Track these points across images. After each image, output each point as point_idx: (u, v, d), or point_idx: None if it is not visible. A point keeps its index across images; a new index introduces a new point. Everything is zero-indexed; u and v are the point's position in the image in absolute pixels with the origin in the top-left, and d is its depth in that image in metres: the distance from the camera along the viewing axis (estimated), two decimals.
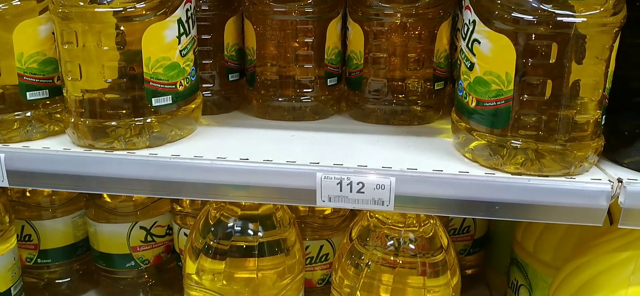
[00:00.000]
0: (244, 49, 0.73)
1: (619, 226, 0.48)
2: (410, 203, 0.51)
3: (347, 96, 0.74)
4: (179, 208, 0.85)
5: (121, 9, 0.52)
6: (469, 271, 0.95)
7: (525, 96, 0.48)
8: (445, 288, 0.59)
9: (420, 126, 0.69)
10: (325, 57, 0.69)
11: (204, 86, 0.71)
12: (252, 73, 0.71)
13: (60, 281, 0.93)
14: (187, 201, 0.85)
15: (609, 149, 0.54)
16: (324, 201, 0.52)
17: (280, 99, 0.70)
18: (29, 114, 0.59)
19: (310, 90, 0.70)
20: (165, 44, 0.55)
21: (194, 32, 0.60)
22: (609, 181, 0.48)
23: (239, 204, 0.64)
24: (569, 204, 0.48)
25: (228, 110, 0.76)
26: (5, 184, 0.57)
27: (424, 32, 0.66)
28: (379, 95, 0.68)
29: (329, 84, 0.71)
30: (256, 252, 0.64)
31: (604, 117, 0.51)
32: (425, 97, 0.69)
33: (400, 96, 0.68)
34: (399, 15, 0.64)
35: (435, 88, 0.69)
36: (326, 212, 0.82)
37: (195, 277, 0.64)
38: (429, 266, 0.59)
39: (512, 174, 0.50)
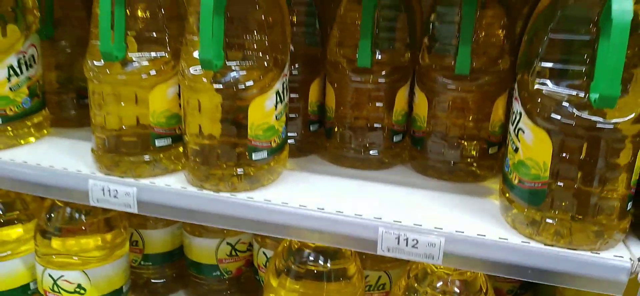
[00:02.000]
0: (325, 105, 0.86)
1: None
2: (456, 261, 0.62)
3: (410, 150, 0.85)
4: None
5: (234, 87, 0.66)
6: None
7: (560, 182, 0.57)
8: None
9: (474, 184, 0.78)
10: (393, 118, 0.81)
11: (289, 134, 0.85)
12: (330, 128, 0.84)
13: (156, 281, 1.11)
14: None
15: (638, 228, 0.62)
16: (383, 251, 0.64)
17: (352, 150, 0.82)
18: (155, 156, 0.75)
19: (378, 145, 0.82)
20: (265, 112, 0.69)
21: (287, 98, 0.74)
22: (630, 259, 0.57)
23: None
24: (593, 275, 0.57)
25: (307, 154, 0.89)
26: (135, 211, 0.74)
27: (482, 104, 0.76)
28: (438, 154, 0.79)
29: (394, 140, 0.83)
30: (324, 277, 0.77)
31: (630, 202, 0.59)
32: (479, 159, 0.78)
33: (457, 156, 0.78)
34: (459, 89, 0.75)
35: (489, 152, 0.79)
36: None
37: (274, 292, 0.77)
38: None
39: (545, 245, 0.59)
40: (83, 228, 0.87)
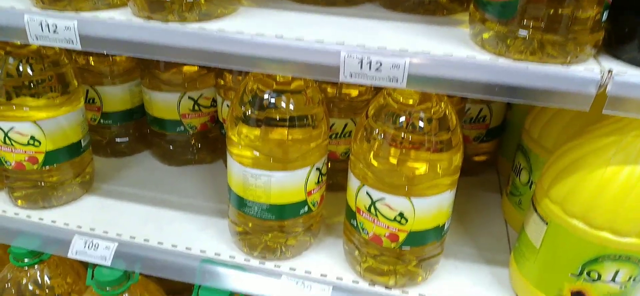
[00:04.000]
0: None
1: (603, 112, 0.54)
2: (421, 82, 0.59)
3: None
4: (222, 82, 0.95)
5: None
6: (482, 158, 1.04)
7: None
8: (447, 163, 0.68)
9: (444, 17, 0.74)
10: None
11: None
12: None
13: (119, 139, 1.07)
14: (230, 77, 0.94)
15: (610, 45, 0.59)
16: (346, 77, 0.60)
17: None
18: None
19: None
20: None
21: None
22: (601, 71, 0.54)
23: (273, 78, 0.72)
24: (561, 89, 0.55)
25: None
26: (78, 47, 0.68)
27: None
28: None
29: None
30: (286, 122, 0.74)
31: (605, 14, 0.55)
32: None
33: None
34: None
35: None
36: (352, 95, 0.91)
37: (235, 137, 0.74)
38: (435, 143, 0.67)
39: (514, 60, 0.57)
40: (31, 78, 0.81)
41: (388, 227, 0.71)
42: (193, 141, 1.04)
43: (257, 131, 0.72)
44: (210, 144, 1.06)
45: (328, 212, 0.93)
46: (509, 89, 0.56)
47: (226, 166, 0.80)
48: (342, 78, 0.61)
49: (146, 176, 1.03)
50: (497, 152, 1.06)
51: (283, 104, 0.72)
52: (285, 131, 0.72)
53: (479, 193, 1.02)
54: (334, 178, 0.98)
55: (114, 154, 1.08)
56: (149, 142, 1.09)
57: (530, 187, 0.84)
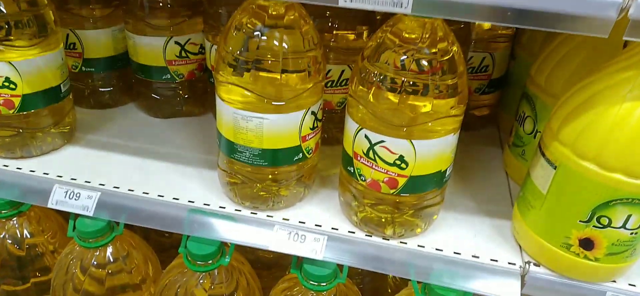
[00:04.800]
0: None
1: (624, 37, 0.50)
2: (428, 7, 0.54)
3: None
4: (213, 24, 0.89)
5: None
6: (483, 111, 1.00)
7: None
8: (453, 102, 0.64)
9: None
10: None
11: None
12: None
13: (103, 90, 1.02)
14: (219, 19, 0.89)
15: None
16: (345, 2, 0.56)
17: None
18: None
19: None
20: None
21: None
22: None
23: (265, 10, 0.67)
24: (579, 13, 0.50)
25: None
26: None
27: None
28: None
29: None
30: (280, 60, 0.68)
31: None
32: None
33: None
34: None
35: None
36: (349, 38, 0.86)
37: (224, 76, 0.69)
38: (440, 80, 0.62)
39: None
40: (7, 17, 0.75)
41: (387, 172, 0.67)
42: (180, 91, 0.99)
43: (248, 69, 0.67)
44: (198, 95, 1.01)
45: (323, 165, 0.89)
46: (521, 13, 0.52)
47: (215, 118, 0.75)
48: (342, 3, 0.56)
49: (131, 127, 0.98)
50: (498, 106, 1.02)
51: (276, 40, 0.67)
52: (278, 68, 0.67)
53: (479, 148, 0.98)
54: (329, 131, 0.94)
55: (98, 106, 1.03)
56: (135, 93, 1.04)
57: (535, 136, 0.80)
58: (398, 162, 0.66)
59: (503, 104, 1.01)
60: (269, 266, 1.07)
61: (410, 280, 0.73)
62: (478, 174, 0.90)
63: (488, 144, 1.00)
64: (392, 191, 0.68)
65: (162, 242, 1.10)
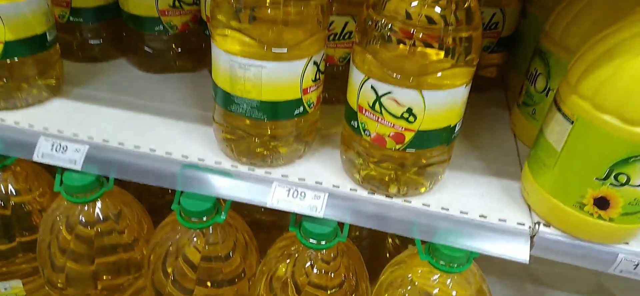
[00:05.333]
0: None
1: None
2: None
3: None
4: None
5: None
6: (490, 72, 0.96)
7: None
8: (467, 50, 0.60)
9: None
10: None
11: None
12: None
13: (92, 42, 0.97)
14: None
15: None
16: None
17: None
18: None
19: None
20: None
21: None
22: None
23: None
24: None
25: None
26: None
27: None
28: None
29: None
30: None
31: None
32: None
33: None
34: None
35: None
36: None
37: (220, 17, 0.64)
38: (454, 24, 0.58)
39: None
40: None
41: (393, 125, 0.63)
42: (173, 44, 0.94)
43: (247, 12, 0.63)
44: (192, 49, 0.96)
45: (323, 124, 0.85)
46: None
47: (211, 74, 0.70)
48: None
49: (122, 82, 0.93)
50: (506, 68, 0.98)
51: None
52: (279, 11, 0.62)
53: (486, 109, 0.94)
54: (330, 90, 0.89)
55: (87, 59, 0.98)
56: (125, 47, 0.99)
57: (547, 94, 0.76)
58: (406, 115, 0.62)
59: (512, 64, 0.97)
60: (268, 228, 1.04)
61: (410, 243, 0.70)
62: (485, 135, 0.87)
63: (494, 106, 0.96)
64: (398, 147, 0.65)
65: (154, 204, 1.07)
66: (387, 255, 1.06)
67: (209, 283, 0.77)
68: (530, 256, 0.66)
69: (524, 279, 1.25)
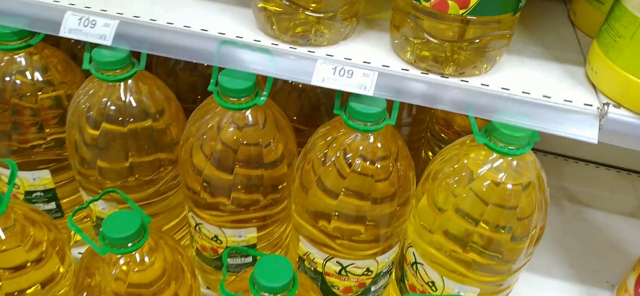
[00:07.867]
0: None
1: None
2: None
3: None
4: None
5: None
6: None
7: None
8: None
9: None
10: None
11: None
12: None
13: None
14: None
15: None
16: None
17: None
18: None
19: None
20: None
21: None
22: None
23: None
24: None
25: None
26: None
27: None
28: None
29: None
30: None
31: None
32: None
33: None
34: None
35: None
36: None
37: None
38: None
39: None
40: None
41: None
42: None
43: None
44: None
45: (367, 9, 0.79)
46: None
47: None
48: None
49: None
50: None
51: None
52: None
53: (541, 2, 0.87)
54: None
55: None
56: None
57: None
58: None
59: None
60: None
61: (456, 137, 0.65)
62: (542, 25, 0.80)
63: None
64: (461, 12, 0.59)
65: (188, 93, 1.00)
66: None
67: (248, 166, 0.73)
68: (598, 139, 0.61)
69: (560, 198, 1.21)
